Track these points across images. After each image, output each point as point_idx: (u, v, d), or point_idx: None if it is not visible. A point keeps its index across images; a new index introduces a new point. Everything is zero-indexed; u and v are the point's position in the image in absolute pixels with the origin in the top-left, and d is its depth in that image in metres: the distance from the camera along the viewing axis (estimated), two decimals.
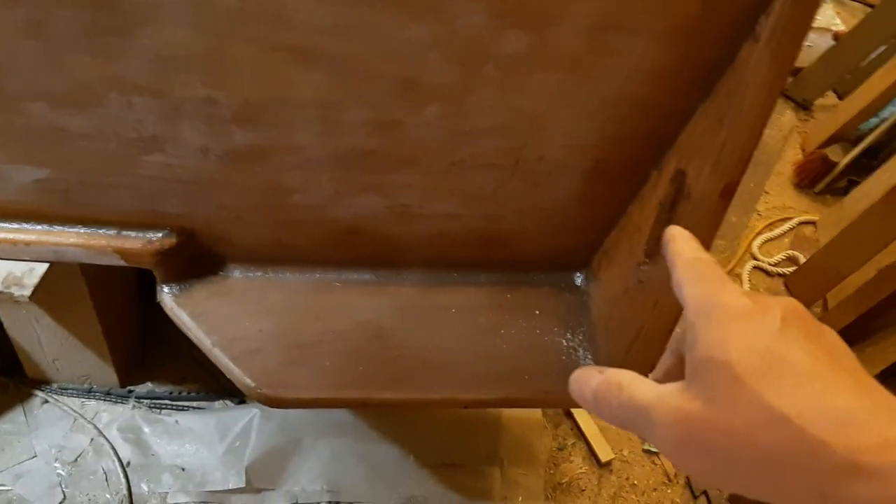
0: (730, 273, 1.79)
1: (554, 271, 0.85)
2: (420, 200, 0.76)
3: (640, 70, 0.61)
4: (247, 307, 0.84)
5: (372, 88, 0.64)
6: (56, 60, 0.61)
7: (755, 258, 1.85)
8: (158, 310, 0.93)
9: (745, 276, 1.78)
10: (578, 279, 0.85)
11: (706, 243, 0.66)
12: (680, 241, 0.41)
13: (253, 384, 0.77)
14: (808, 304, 1.70)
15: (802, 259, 1.83)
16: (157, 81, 0.63)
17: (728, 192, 0.63)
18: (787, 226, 1.94)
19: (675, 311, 0.68)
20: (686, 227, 0.65)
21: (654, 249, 0.70)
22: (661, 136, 0.68)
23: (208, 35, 0.59)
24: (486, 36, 0.58)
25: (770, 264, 1.83)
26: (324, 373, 0.79)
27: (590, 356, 0.80)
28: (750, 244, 1.88)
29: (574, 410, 1.34)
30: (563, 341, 0.81)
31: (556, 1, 0.55)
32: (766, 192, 2.03)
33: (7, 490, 0.96)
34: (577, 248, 0.82)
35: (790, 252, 1.87)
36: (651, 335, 0.70)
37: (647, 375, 0.69)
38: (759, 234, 1.91)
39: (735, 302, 0.33)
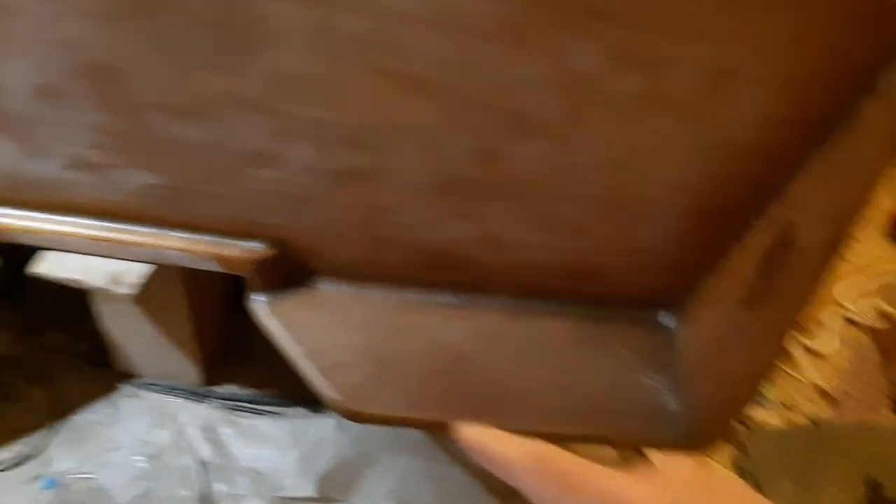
0: (813, 321, 1.74)
1: (643, 309, 0.84)
2: (514, 229, 0.76)
3: (754, 117, 0.61)
4: (334, 320, 0.85)
5: (479, 119, 0.64)
6: (180, 74, 0.64)
7: (841, 307, 1.78)
8: (244, 314, 0.96)
9: (829, 325, 1.73)
10: (668, 319, 0.84)
11: (811, 297, 0.64)
12: (491, 439, 0.39)
13: (338, 398, 0.78)
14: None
15: (890, 310, 1.76)
16: (274, 101, 0.65)
17: (837, 247, 0.61)
18: (876, 276, 1.87)
19: (771, 363, 0.67)
20: (791, 279, 0.65)
21: (755, 297, 0.68)
22: (771, 184, 0.67)
23: (327, 60, 0.61)
24: (599, 75, 0.58)
25: (856, 314, 1.77)
26: (407, 392, 0.80)
27: (674, 399, 0.79)
28: (835, 292, 1.81)
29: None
30: (648, 381, 0.80)
31: (673, 45, 0.55)
32: (856, 240, 1.96)
33: (91, 478, 1.00)
34: (669, 287, 0.81)
35: (877, 302, 1.80)
36: (745, 386, 0.68)
37: (733, 425, 0.67)
38: (845, 281, 1.84)
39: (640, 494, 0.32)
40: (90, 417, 1.06)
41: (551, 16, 0.54)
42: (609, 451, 0.73)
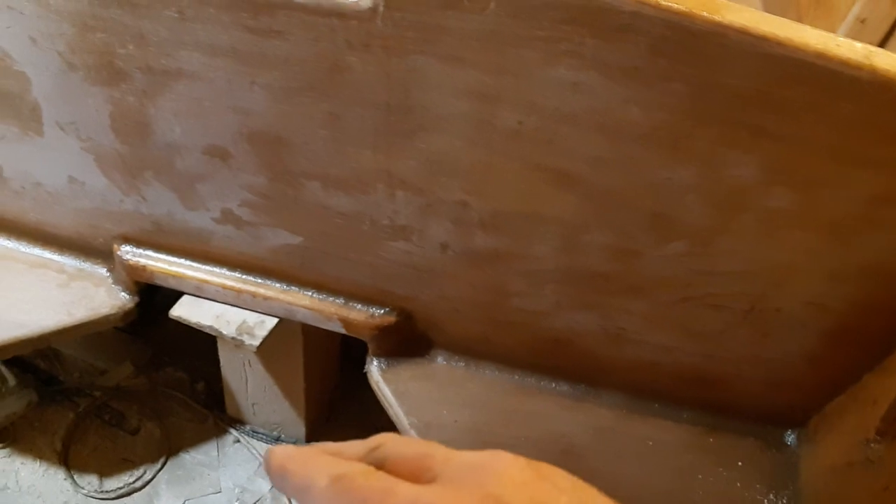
0: None
1: (763, 423, 0.81)
2: (639, 327, 0.76)
3: None
4: (446, 395, 0.86)
5: (620, 217, 0.65)
6: (341, 149, 0.68)
7: None
8: (352, 374, 0.98)
9: None
10: (790, 438, 0.80)
11: None
12: (292, 460, 0.33)
13: None
14: None
15: None
16: (423, 181, 0.68)
17: None
18: None
19: None
20: None
21: (891, 429, 0.65)
22: None
23: (481, 149, 0.63)
24: (751, 187, 0.58)
25: None
26: None
27: None
28: None
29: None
30: (765, 501, 0.77)
31: (835, 168, 0.55)
32: None
33: None
34: (796, 405, 0.78)
35: None
36: None
37: None
38: None
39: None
40: (197, 457, 1.09)
41: (715, 129, 0.55)
42: None
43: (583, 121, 0.58)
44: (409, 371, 0.88)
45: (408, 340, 0.88)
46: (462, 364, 0.89)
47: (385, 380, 0.87)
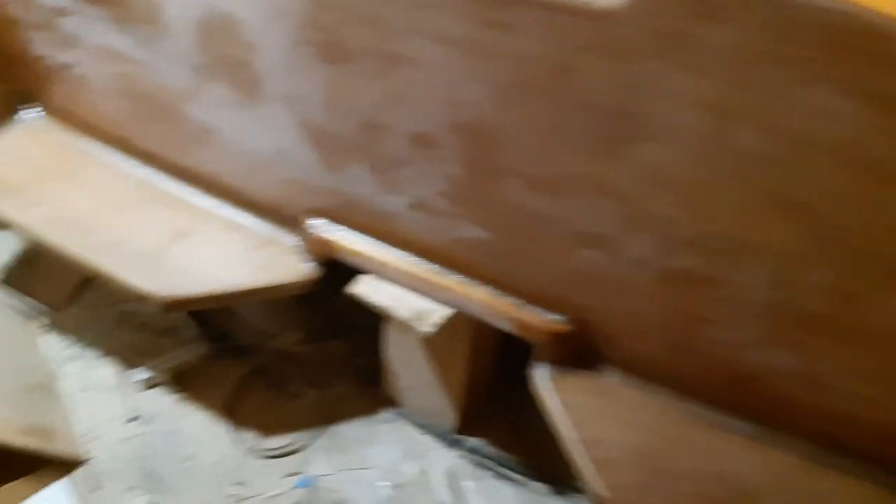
0: None
1: None
2: (843, 376, 0.69)
3: None
4: (617, 414, 0.83)
5: (848, 257, 0.60)
6: (553, 150, 0.66)
7: None
8: (501, 374, 0.95)
9: None
10: None
11: None
12: None
13: (607, 495, 0.76)
14: None
15: None
16: (633, 192, 0.65)
17: None
18: None
19: None
20: None
21: None
22: None
23: (705, 166, 0.60)
24: None
25: None
26: None
27: None
28: None
29: None
30: None
31: None
32: None
33: (338, 492, 1.05)
34: None
35: None
36: None
37: None
38: None
39: None
40: (350, 431, 1.12)
41: None
42: None
43: (825, 149, 0.53)
44: (579, 383, 0.86)
45: (579, 351, 0.86)
46: (638, 385, 0.85)
47: (552, 388, 0.85)
